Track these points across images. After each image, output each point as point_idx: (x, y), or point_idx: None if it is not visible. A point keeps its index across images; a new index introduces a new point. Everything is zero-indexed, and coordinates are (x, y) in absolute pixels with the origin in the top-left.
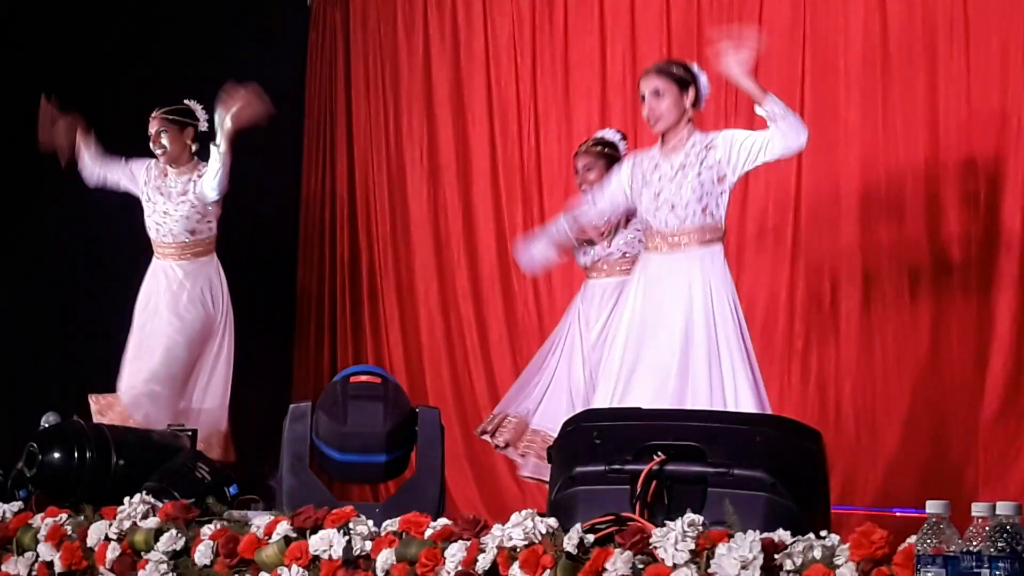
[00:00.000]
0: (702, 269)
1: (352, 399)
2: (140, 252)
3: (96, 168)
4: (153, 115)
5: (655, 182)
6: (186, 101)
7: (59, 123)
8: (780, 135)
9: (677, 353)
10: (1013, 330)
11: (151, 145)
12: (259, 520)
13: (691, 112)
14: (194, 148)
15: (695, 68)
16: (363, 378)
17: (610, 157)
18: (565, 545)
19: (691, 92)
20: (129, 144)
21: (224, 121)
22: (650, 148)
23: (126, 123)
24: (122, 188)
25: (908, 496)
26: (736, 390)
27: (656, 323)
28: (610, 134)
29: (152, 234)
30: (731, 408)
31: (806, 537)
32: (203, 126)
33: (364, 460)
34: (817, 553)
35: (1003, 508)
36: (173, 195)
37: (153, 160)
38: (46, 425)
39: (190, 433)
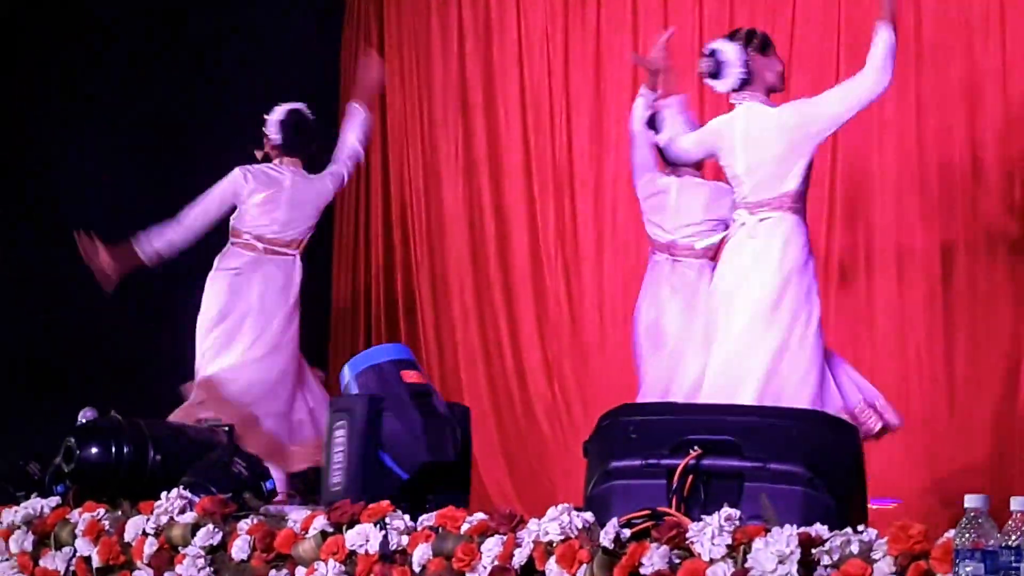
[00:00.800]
0: (773, 243)
1: (425, 415)
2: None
3: (182, 235)
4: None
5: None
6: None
7: (102, 254)
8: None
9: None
10: None
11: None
12: (296, 515)
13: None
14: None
15: None
16: (413, 377)
17: None
18: (601, 540)
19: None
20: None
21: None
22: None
23: (162, 117)
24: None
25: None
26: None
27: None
28: None
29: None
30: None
31: (843, 532)
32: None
33: None
34: (855, 548)
35: None
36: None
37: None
38: (84, 420)
39: (227, 428)
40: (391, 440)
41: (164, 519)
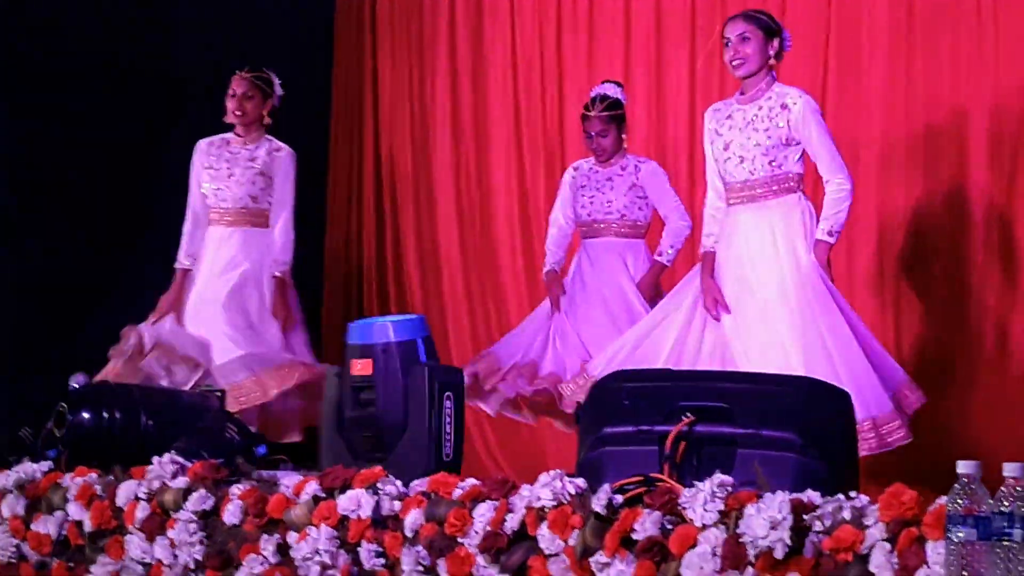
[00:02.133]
0: (778, 219)
1: None
2: (175, 217)
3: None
4: (239, 75)
5: (726, 132)
6: (266, 71)
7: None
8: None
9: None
10: None
11: (229, 103)
12: (288, 480)
13: (773, 61)
14: (267, 122)
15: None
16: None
17: (621, 118)
18: (594, 505)
19: (775, 42)
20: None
21: None
22: (730, 97)
23: (152, 93)
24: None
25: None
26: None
27: (738, 276)
28: (612, 91)
29: (211, 199)
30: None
31: (835, 498)
32: (276, 101)
33: None
34: (847, 514)
35: None
36: (241, 161)
37: (207, 140)
38: (75, 386)
39: (219, 393)
40: None
41: (156, 484)
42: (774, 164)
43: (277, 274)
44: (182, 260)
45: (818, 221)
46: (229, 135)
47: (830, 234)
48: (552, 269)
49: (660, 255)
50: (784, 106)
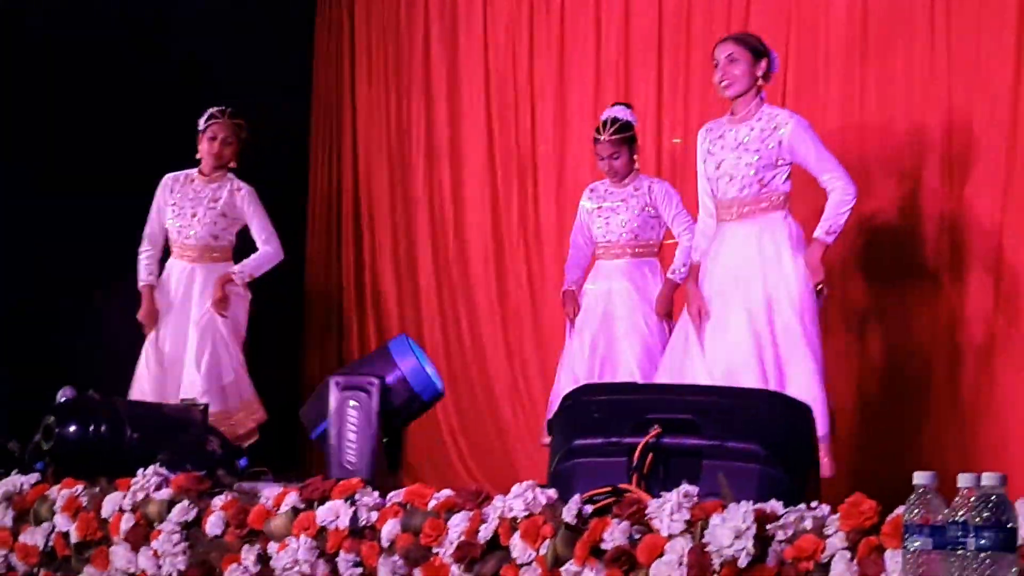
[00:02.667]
0: (764, 237)
1: None
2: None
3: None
4: (223, 120)
5: (718, 152)
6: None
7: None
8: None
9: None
10: (982, 309)
11: (207, 145)
12: (268, 492)
13: (761, 82)
14: (232, 165)
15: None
16: None
17: (632, 139)
18: (564, 516)
19: (763, 63)
20: (134, 129)
21: None
22: (722, 117)
23: (132, 108)
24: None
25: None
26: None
27: (725, 291)
28: (622, 113)
29: (173, 235)
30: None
31: (797, 508)
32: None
33: None
34: (808, 523)
35: (988, 479)
36: (204, 201)
37: (173, 176)
38: (62, 399)
39: (202, 407)
40: None
41: (140, 495)
42: (763, 183)
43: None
44: (146, 278)
45: (803, 238)
46: (194, 172)
47: (828, 233)
48: (569, 288)
49: (673, 273)
50: (775, 127)
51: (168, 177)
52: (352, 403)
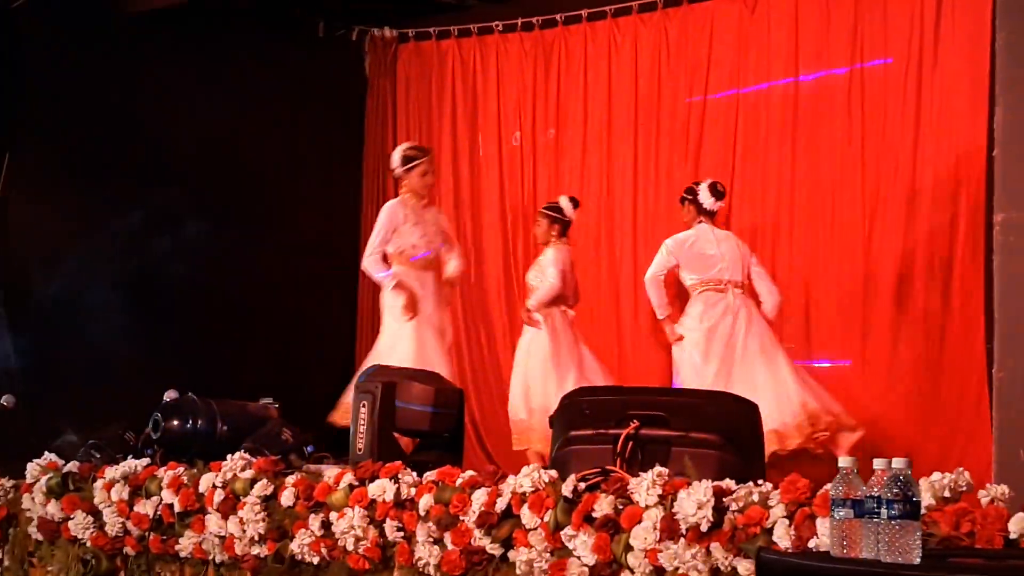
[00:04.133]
0: None
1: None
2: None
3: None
4: (427, 158)
5: None
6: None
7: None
8: None
9: None
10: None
11: (425, 179)
12: (330, 472)
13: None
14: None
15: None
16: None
17: (552, 218)
18: (563, 491)
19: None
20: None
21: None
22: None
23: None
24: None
25: None
26: None
27: None
28: (564, 201)
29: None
30: None
31: (747, 485)
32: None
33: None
34: (755, 497)
35: (897, 463)
36: (429, 222)
37: (398, 201)
38: (167, 400)
39: (276, 406)
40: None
41: (229, 475)
42: None
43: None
44: None
45: None
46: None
47: None
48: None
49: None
50: None
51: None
52: (363, 404)
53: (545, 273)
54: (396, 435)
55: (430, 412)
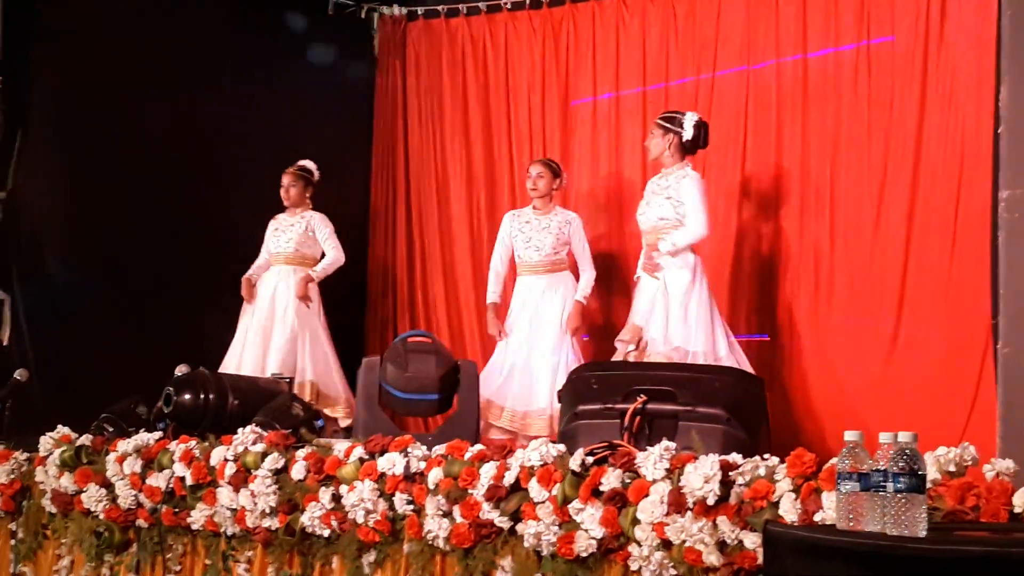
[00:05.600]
0: None
1: (411, 352)
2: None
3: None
4: (286, 172)
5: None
6: (306, 162)
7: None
8: None
9: None
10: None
11: (282, 192)
12: (340, 446)
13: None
14: (308, 196)
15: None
16: (418, 339)
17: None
18: (571, 465)
19: (670, 136)
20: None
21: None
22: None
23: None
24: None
25: None
26: None
27: None
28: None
29: (272, 247)
30: None
31: (753, 459)
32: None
33: (421, 398)
34: (762, 471)
35: (903, 436)
36: (287, 229)
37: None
38: (179, 374)
39: (288, 380)
40: (390, 375)
41: (240, 448)
42: None
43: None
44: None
45: None
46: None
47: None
48: None
49: None
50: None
51: None
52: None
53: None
54: None
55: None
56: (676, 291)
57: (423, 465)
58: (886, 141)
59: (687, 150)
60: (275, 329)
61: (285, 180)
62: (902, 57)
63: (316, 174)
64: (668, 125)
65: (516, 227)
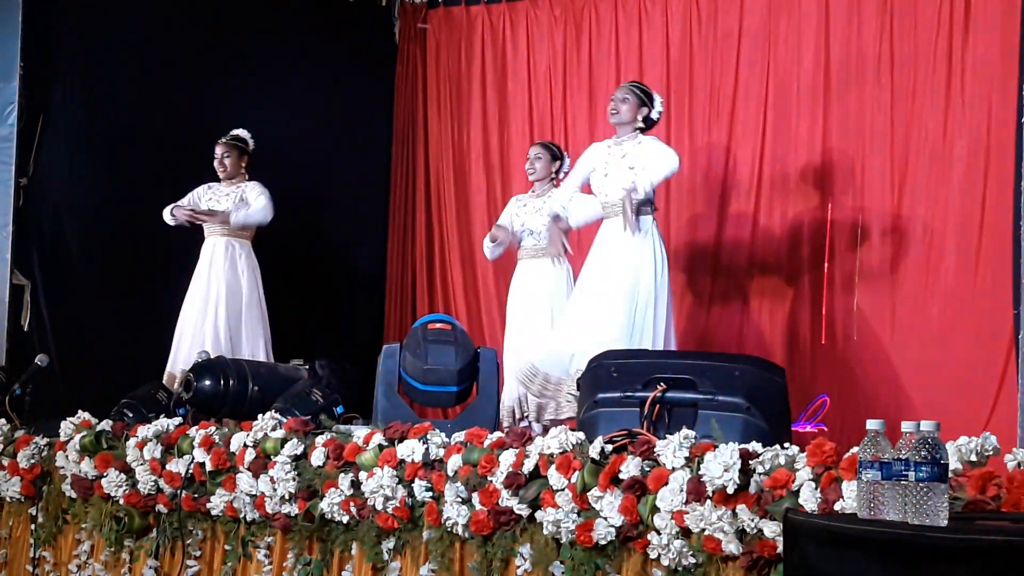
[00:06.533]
0: None
1: (431, 343)
2: None
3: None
4: (219, 142)
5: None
6: (239, 131)
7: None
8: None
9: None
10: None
11: (215, 163)
12: (359, 432)
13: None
14: (244, 166)
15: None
16: (437, 325)
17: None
18: (590, 453)
19: (644, 109)
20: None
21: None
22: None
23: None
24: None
25: None
26: None
27: None
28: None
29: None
30: None
31: (773, 448)
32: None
33: (440, 390)
34: (782, 460)
35: (926, 426)
36: (221, 198)
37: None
38: (199, 360)
39: (306, 367)
40: (410, 365)
41: (260, 435)
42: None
43: None
44: None
45: None
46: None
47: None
48: None
49: None
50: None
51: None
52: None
53: None
54: None
55: None
56: (644, 289)
57: (442, 452)
58: (908, 132)
59: (646, 127)
60: (210, 307)
61: (219, 151)
62: (925, 48)
63: (251, 143)
64: (644, 98)
65: (515, 211)
